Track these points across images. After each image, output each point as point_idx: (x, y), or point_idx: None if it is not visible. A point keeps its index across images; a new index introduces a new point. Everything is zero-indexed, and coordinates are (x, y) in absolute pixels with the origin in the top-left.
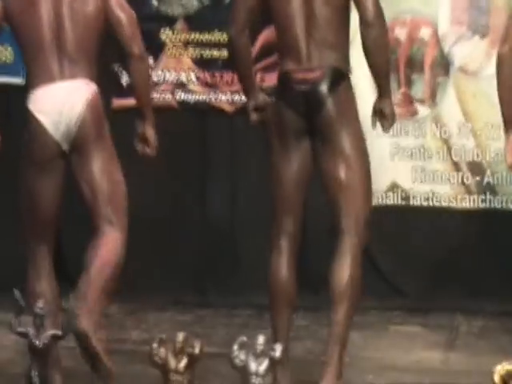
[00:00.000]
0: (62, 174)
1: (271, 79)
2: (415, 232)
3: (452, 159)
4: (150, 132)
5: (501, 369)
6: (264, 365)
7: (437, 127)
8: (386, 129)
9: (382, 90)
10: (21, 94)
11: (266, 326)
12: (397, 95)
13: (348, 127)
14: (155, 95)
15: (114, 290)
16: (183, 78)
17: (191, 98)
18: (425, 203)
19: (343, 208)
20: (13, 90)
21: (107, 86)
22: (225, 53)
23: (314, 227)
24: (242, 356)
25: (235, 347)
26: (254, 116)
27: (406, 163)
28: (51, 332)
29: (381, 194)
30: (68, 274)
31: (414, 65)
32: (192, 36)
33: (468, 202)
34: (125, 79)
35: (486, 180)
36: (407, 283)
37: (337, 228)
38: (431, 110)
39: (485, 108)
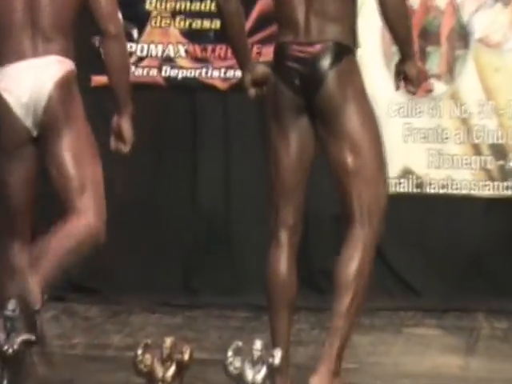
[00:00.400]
0: (33, 162)
1: (269, 53)
2: (430, 223)
3: (472, 141)
4: (126, 126)
5: None
6: (262, 373)
7: (455, 106)
8: (412, 92)
9: (404, 53)
10: None
11: (264, 329)
12: None
13: (353, 105)
14: (139, 71)
15: (71, 264)
16: (170, 51)
17: (179, 73)
18: (441, 191)
19: (354, 196)
20: None
21: (86, 61)
22: (217, 23)
23: (317, 216)
24: (237, 363)
25: (230, 353)
26: (251, 91)
27: (420, 146)
28: (23, 337)
29: (392, 181)
30: None
31: (428, 36)
32: (180, 4)
33: (490, 189)
34: None
35: (510, 164)
36: (422, 280)
37: (347, 217)
38: (448, 87)
39: (508, 84)
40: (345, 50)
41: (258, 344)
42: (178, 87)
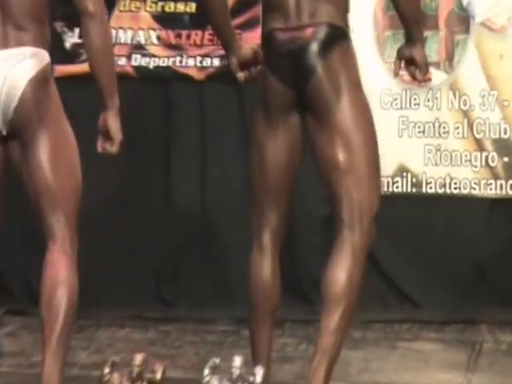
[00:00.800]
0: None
1: (250, 38)
2: (428, 227)
3: (474, 136)
4: (112, 122)
5: None
6: None
7: (455, 97)
8: (419, 79)
9: (412, 37)
10: None
11: (244, 345)
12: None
13: (346, 96)
14: None
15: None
16: (141, 38)
17: (151, 62)
18: (440, 191)
19: (343, 196)
20: None
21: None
22: (192, 6)
23: (305, 218)
24: (215, 382)
25: (206, 371)
26: (240, 75)
27: (416, 141)
28: None
29: (386, 180)
30: (4, 287)
31: (426, 20)
32: None
33: (494, 189)
34: (69, 42)
35: None
36: (419, 290)
37: (336, 220)
38: (448, 76)
39: None
40: (339, 34)
41: (237, 361)
42: (150, 77)
